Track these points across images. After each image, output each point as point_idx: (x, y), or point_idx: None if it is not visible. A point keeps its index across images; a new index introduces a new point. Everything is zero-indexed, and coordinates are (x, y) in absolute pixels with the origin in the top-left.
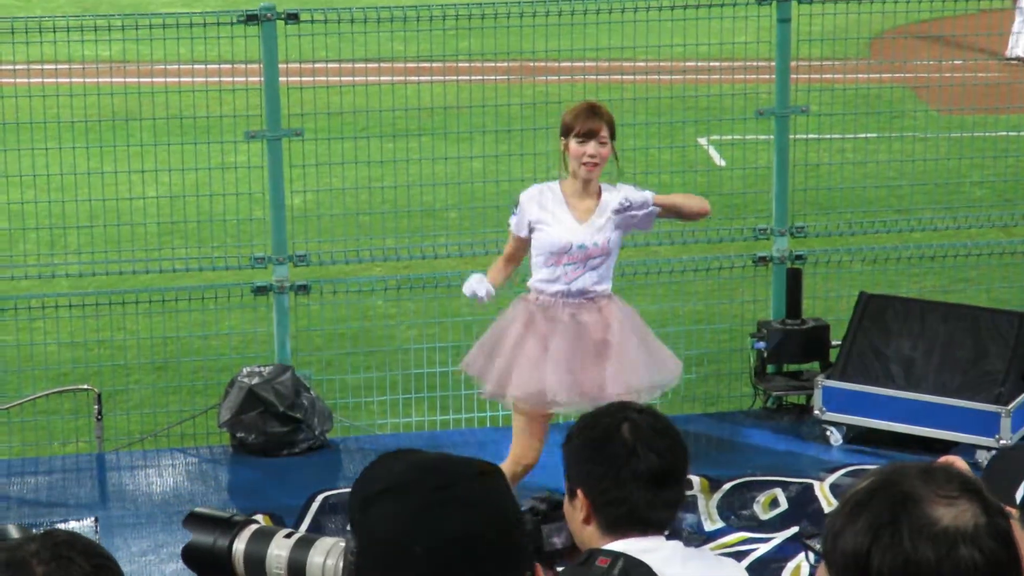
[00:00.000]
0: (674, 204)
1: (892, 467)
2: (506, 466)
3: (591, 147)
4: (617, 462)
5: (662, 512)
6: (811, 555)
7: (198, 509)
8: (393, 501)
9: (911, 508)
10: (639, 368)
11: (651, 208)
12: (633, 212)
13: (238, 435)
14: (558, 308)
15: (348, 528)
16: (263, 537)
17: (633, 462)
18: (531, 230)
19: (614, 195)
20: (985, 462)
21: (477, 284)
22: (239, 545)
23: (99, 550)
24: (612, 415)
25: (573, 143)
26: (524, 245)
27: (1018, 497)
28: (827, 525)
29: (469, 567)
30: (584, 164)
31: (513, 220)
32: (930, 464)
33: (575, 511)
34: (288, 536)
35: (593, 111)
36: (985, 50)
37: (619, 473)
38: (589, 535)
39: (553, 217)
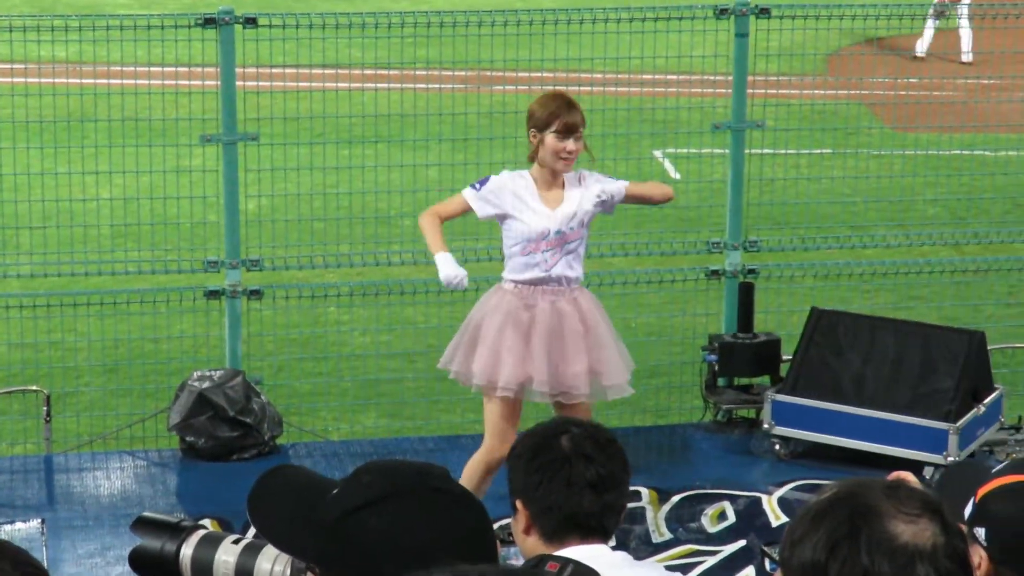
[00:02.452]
0: (645, 195)
1: (856, 480)
2: (479, 458)
3: (570, 143)
4: (551, 469)
5: (601, 519)
6: (768, 563)
7: (146, 514)
8: (396, 508)
9: (872, 521)
10: (616, 363)
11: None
12: (610, 203)
13: (187, 439)
14: (537, 295)
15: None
16: (211, 543)
17: (567, 469)
18: (504, 218)
19: (583, 185)
20: (932, 479)
21: (455, 274)
22: (187, 550)
23: (28, 558)
24: (552, 428)
25: (551, 138)
26: (463, 214)
27: (966, 513)
28: (786, 533)
29: (480, 559)
30: (562, 159)
31: (473, 192)
32: (893, 480)
33: (516, 524)
34: (236, 542)
35: (571, 105)
36: (962, 64)
37: (553, 480)
38: (532, 546)
39: (527, 206)
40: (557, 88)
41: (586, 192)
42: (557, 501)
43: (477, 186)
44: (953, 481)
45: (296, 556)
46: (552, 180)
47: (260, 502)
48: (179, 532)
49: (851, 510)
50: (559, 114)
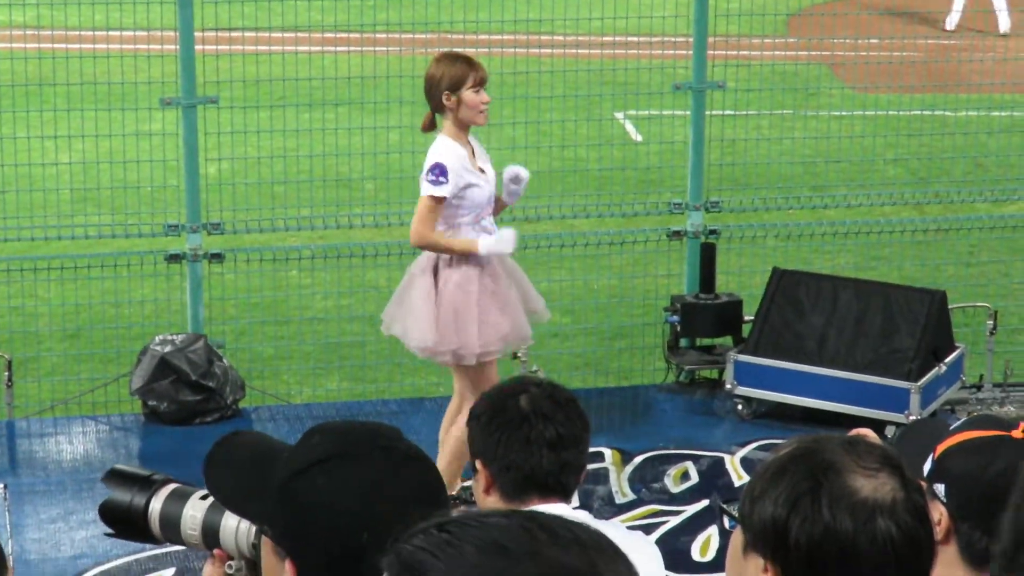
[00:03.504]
0: None
1: (814, 437)
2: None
3: (485, 95)
4: (510, 428)
5: (560, 477)
6: (727, 520)
7: (118, 466)
8: (341, 468)
9: (832, 477)
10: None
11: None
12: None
13: (150, 403)
14: (491, 256)
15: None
16: (179, 497)
17: (525, 428)
18: (460, 191)
19: (475, 141)
20: (893, 438)
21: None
22: (155, 504)
23: None
24: (511, 388)
25: (470, 94)
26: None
27: (925, 470)
28: (746, 489)
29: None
30: (482, 112)
31: (442, 188)
32: (852, 436)
33: (477, 484)
34: (204, 498)
35: (472, 60)
36: (926, 21)
37: (511, 439)
38: (492, 505)
39: (473, 174)
40: (443, 50)
41: (480, 150)
42: (516, 460)
43: (443, 180)
44: (911, 438)
45: (249, 519)
46: (466, 143)
47: (214, 467)
48: (149, 485)
49: (811, 466)
50: (471, 70)
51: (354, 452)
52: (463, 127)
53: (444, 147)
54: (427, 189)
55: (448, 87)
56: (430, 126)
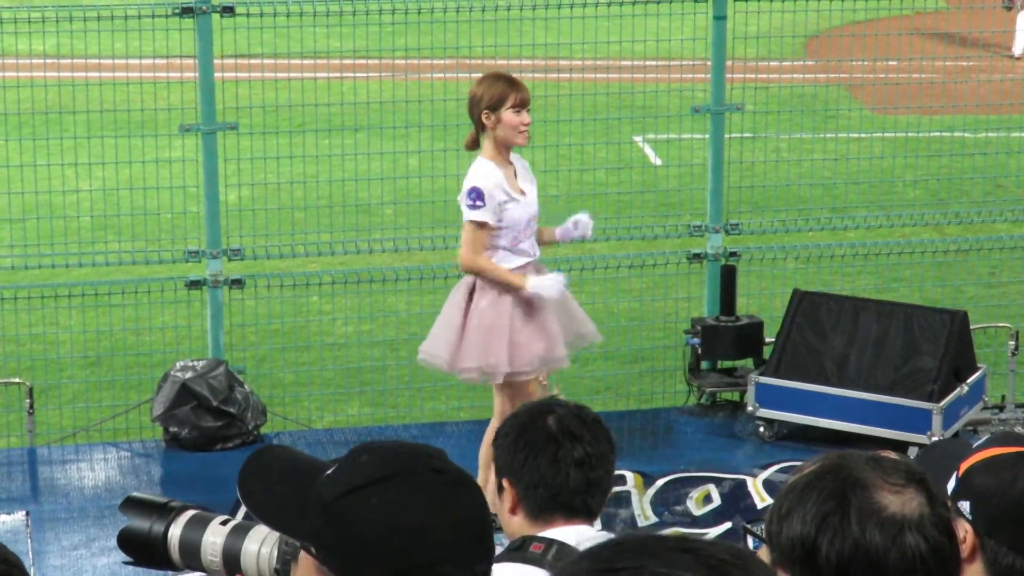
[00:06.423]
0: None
1: (839, 454)
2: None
3: (526, 116)
4: (537, 448)
5: (586, 498)
6: (752, 540)
7: (135, 494)
8: (396, 489)
9: (859, 493)
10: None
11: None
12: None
13: (171, 429)
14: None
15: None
16: (199, 523)
17: (553, 448)
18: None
19: (518, 163)
20: (916, 459)
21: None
22: (175, 531)
23: (5, 556)
24: (538, 409)
25: (509, 114)
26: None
27: (948, 489)
28: (773, 507)
29: (478, 543)
30: (522, 133)
31: (480, 212)
32: (875, 453)
33: (503, 503)
34: (224, 523)
35: (517, 81)
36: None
37: (538, 458)
38: (517, 525)
39: (511, 197)
40: (494, 70)
41: (524, 172)
42: (544, 479)
43: (480, 204)
44: (932, 458)
45: (290, 535)
46: (506, 163)
47: (251, 481)
48: (167, 512)
49: (838, 483)
50: (512, 90)
51: (407, 473)
52: (502, 147)
53: (481, 169)
54: (467, 215)
55: (488, 106)
56: (473, 145)
